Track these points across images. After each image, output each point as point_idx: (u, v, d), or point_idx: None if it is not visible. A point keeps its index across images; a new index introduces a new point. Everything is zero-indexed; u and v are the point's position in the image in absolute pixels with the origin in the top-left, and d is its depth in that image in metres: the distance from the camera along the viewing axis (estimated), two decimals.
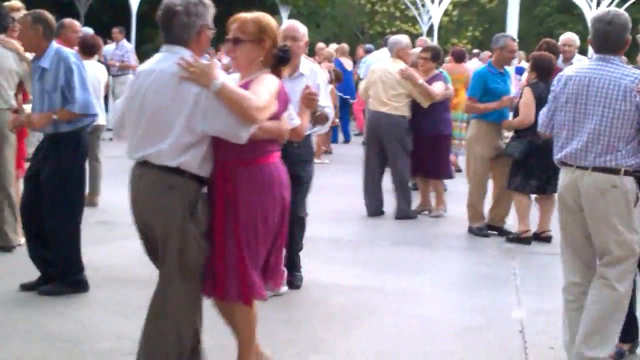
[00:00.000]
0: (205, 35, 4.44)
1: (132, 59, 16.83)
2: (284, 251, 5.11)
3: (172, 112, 4.25)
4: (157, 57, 4.45)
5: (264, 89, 4.31)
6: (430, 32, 25.60)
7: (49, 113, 6.36)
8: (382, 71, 9.94)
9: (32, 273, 6.49)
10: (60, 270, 6.43)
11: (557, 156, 5.21)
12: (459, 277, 7.53)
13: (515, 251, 8.42)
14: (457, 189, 10.87)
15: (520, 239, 8.71)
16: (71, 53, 6.59)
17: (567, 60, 10.99)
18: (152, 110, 4.31)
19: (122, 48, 17.12)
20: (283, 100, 4.55)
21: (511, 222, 9.19)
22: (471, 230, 9.08)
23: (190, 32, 4.37)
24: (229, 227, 4.40)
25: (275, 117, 4.46)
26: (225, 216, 4.41)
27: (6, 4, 8.02)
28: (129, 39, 20.84)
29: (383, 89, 9.71)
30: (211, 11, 4.47)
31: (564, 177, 5.18)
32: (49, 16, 6.57)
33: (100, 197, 9.79)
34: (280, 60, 4.61)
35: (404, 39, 10.38)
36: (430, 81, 9.75)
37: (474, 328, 6.03)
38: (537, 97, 8.31)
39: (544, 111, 5.42)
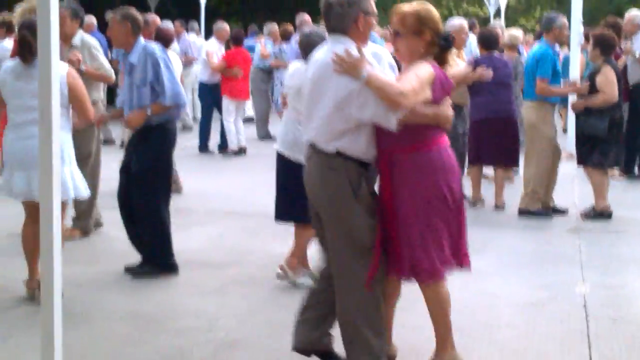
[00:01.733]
0: (365, 21, 4.52)
1: (195, 51, 16.92)
2: None
3: (329, 100, 4.42)
4: (325, 47, 4.60)
5: (412, 76, 4.39)
6: (497, 14, 25.45)
7: (143, 110, 6.64)
8: None
9: (112, 258, 6.92)
10: (152, 254, 6.78)
11: None
12: (524, 255, 7.60)
13: (580, 229, 8.51)
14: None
15: (603, 214, 8.88)
16: (157, 48, 6.85)
17: (628, 38, 11.04)
18: (313, 98, 4.53)
19: (184, 42, 17.36)
20: (442, 86, 4.57)
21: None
22: (529, 213, 8.98)
23: (346, 21, 4.49)
24: (398, 212, 4.51)
25: (434, 102, 4.51)
26: (392, 202, 4.52)
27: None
28: (198, 31, 21.27)
29: None
30: None
31: None
32: (136, 13, 6.85)
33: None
34: (443, 49, 4.65)
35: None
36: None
37: (537, 302, 6.16)
38: (616, 74, 8.68)
39: None
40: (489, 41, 9.79)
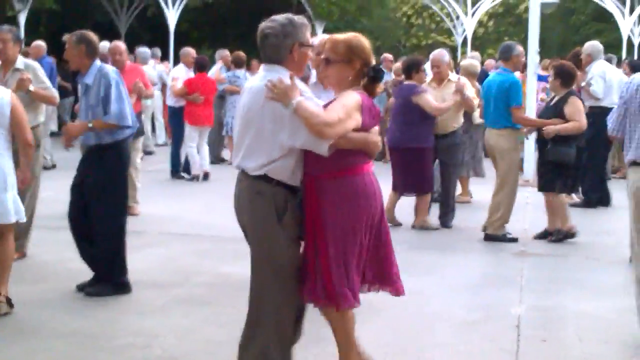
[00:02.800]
0: (300, 52, 4.64)
1: (155, 77, 16.96)
2: None
3: (260, 127, 4.52)
4: (258, 75, 4.70)
5: (338, 105, 4.48)
6: (464, 44, 25.80)
7: (85, 122, 6.82)
8: None
9: (57, 277, 7.02)
10: (106, 273, 6.84)
11: (630, 157, 5.80)
12: (467, 278, 7.74)
13: (525, 253, 8.68)
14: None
15: (570, 235, 9.21)
16: (112, 70, 7.00)
17: (582, 69, 11.34)
18: (245, 124, 4.62)
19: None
20: (370, 114, 4.65)
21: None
22: (497, 239, 9.20)
23: (282, 51, 4.60)
24: (316, 236, 4.57)
25: (363, 129, 4.60)
26: (313, 226, 4.59)
27: None
28: (167, 56, 21.40)
29: None
30: (304, 29, 4.66)
31: (634, 175, 5.78)
32: (92, 36, 6.97)
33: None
34: (373, 79, 4.75)
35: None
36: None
37: (473, 322, 6.28)
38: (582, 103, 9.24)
39: (613, 117, 5.99)
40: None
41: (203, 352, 5.50)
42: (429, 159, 9.91)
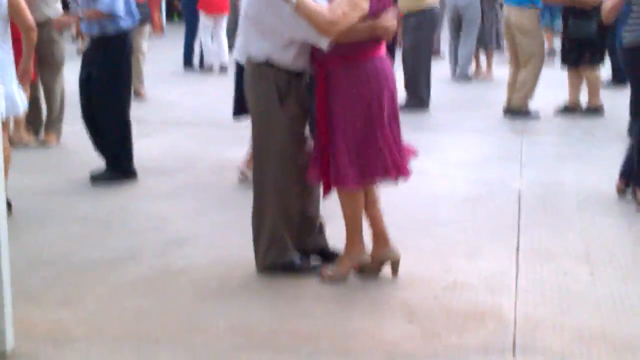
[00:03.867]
0: None
1: None
2: None
3: (262, 21, 4.50)
4: None
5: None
6: None
7: (76, 14, 6.82)
8: None
9: (69, 168, 7.11)
10: (114, 161, 6.94)
11: None
12: (469, 156, 7.82)
13: (525, 131, 8.74)
14: None
15: (597, 111, 9.43)
16: None
17: None
18: (246, 16, 4.65)
19: None
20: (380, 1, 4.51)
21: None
22: (521, 114, 9.32)
23: None
24: (327, 121, 4.53)
25: (372, 16, 4.44)
26: (323, 111, 4.53)
27: None
28: None
29: None
30: None
31: None
32: None
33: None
34: None
35: None
36: None
37: (475, 198, 6.39)
38: None
39: None
40: None
41: (212, 234, 5.60)
42: None
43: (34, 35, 6.07)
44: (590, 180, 6.79)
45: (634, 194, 6.05)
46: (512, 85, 9.52)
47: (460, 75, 12.34)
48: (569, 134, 8.76)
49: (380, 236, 4.77)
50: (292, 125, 4.62)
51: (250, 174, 6.54)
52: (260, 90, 4.60)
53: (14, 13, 5.92)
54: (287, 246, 4.74)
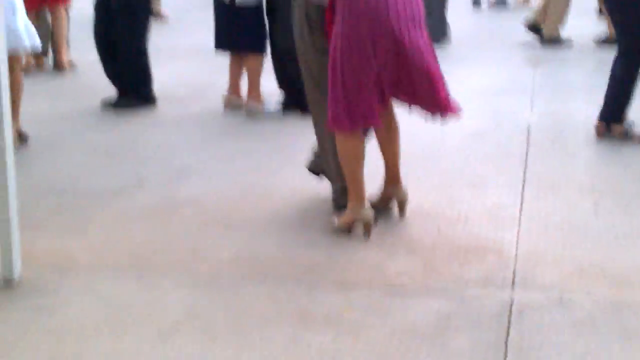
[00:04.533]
0: None
1: None
2: None
3: None
4: None
5: None
6: None
7: None
8: None
9: (78, 95, 7.10)
10: (133, 87, 7.00)
11: None
12: (480, 87, 7.76)
13: (539, 59, 8.65)
14: None
15: None
16: None
17: None
18: None
19: None
20: None
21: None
22: (553, 40, 9.21)
23: None
24: (332, 55, 4.36)
25: None
26: (330, 45, 4.38)
27: None
28: None
29: None
30: None
31: None
32: None
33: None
34: None
35: None
36: None
37: (484, 130, 6.36)
38: None
39: None
40: None
41: (219, 164, 5.62)
42: None
43: None
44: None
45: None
46: (543, 11, 9.35)
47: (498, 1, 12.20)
48: (584, 66, 8.64)
49: (390, 173, 4.68)
50: (321, 58, 4.48)
51: (234, 100, 6.63)
52: (296, 21, 4.58)
53: None
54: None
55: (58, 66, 8.36)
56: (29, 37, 5.76)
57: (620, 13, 5.96)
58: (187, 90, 7.54)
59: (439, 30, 9.68)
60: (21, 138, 5.92)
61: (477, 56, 9.15)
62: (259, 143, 6.00)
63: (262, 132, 6.29)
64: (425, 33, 4.41)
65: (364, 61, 4.26)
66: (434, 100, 4.43)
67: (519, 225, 4.57)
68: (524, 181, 5.26)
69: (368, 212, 4.42)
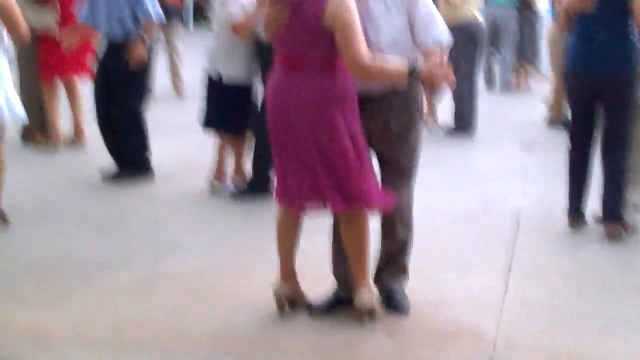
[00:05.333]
0: None
1: None
2: None
3: None
4: None
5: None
6: None
7: (139, 39, 6.89)
8: None
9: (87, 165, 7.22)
10: (132, 160, 7.08)
11: None
12: (473, 171, 7.77)
13: (534, 146, 8.67)
14: None
15: None
16: None
17: None
18: None
19: None
20: None
21: None
22: (563, 124, 8.94)
23: None
24: None
25: None
26: None
27: None
28: None
29: None
30: None
31: None
32: None
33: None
34: None
35: None
36: None
37: (472, 214, 6.33)
38: None
39: None
40: None
41: (205, 242, 5.63)
42: None
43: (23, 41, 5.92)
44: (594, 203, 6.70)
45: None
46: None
47: (503, 85, 12.31)
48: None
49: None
50: None
51: (218, 185, 6.66)
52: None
53: (6, 22, 5.64)
54: None
55: (78, 138, 8.39)
56: (10, 109, 5.68)
57: None
58: (177, 165, 7.57)
59: (466, 120, 9.48)
60: (2, 219, 5.79)
61: (480, 141, 9.17)
62: (246, 222, 6.00)
63: (250, 212, 6.28)
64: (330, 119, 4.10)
65: (279, 143, 4.25)
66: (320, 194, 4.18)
67: (501, 311, 4.54)
68: (509, 267, 5.24)
69: (278, 288, 4.40)
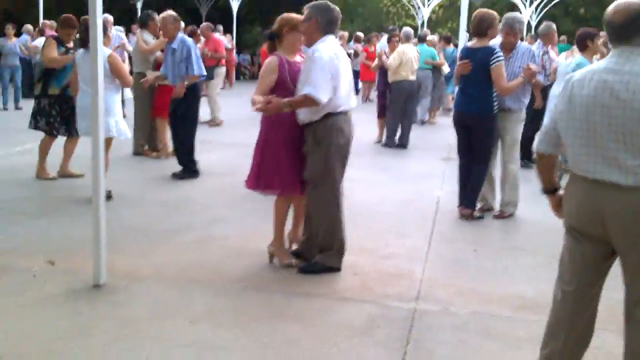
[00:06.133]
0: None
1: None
2: None
3: None
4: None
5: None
6: (423, 25, 25.19)
7: (182, 83, 6.79)
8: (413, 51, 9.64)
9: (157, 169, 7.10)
10: (187, 164, 6.97)
11: None
12: (409, 172, 7.76)
13: (449, 158, 8.70)
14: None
15: None
16: (188, 38, 6.99)
17: None
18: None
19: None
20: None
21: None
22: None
23: None
24: None
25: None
26: None
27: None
28: (231, 31, 21.08)
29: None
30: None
31: None
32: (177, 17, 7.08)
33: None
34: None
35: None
36: None
37: (408, 200, 6.35)
38: None
39: None
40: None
41: (240, 217, 5.60)
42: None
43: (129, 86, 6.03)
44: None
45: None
46: None
47: (420, 121, 12.30)
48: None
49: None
50: None
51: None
52: None
53: (114, 73, 5.70)
54: None
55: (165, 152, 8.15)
56: (117, 128, 5.81)
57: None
58: (224, 169, 7.56)
59: (405, 140, 9.44)
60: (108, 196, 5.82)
61: (413, 154, 9.17)
62: (263, 203, 5.95)
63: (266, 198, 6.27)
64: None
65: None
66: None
67: (425, 262, 4.57)
68: (432, 234, 5.27)
69: (270, 247, 4.35)
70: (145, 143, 8.17)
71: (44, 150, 6.66)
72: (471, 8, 13.81)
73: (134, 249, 4.59)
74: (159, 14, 7.69)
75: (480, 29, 5.47)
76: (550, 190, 2.78)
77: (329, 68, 3.86)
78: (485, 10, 5.57)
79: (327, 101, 3.89)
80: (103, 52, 5.72)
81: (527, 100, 5.76)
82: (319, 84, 3.84)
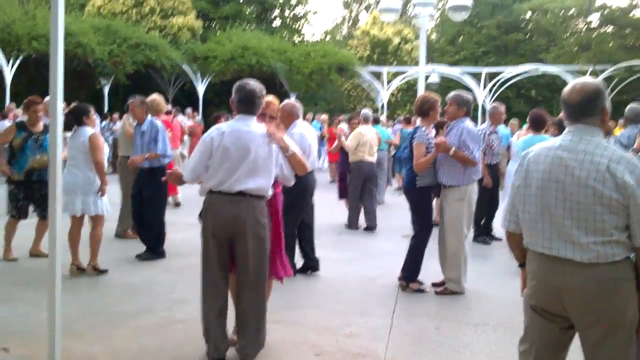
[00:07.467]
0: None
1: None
2: None
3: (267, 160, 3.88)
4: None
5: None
6: (382, 107, 25.94)
7: (142, 155, 6.87)
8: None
9: (116, 251, 6.93)
10: (153, 245, 6.88)
11: None
12: (374, 250, 7.77)
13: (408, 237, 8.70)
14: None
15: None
16: (158, 121, 7.05)
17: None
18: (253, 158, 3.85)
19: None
20: None
21: None
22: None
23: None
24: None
25: None
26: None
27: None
28: (198, 112, 21.32)
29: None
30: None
31: None
32: (158, 99, 7.37)
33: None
34: None
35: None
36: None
37: (373, 277, 6.31)
38: None
39: None
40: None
41: None
42: None
43: (100, 169, 6.02)
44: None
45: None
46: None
47: (379, 200, 12.28)
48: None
49: None
50: None
51: None
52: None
53: (91, 150, 5.92)
54: None
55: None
56: (95, 206, 6.00)
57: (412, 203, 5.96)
58: (187, 249, 7.43)
59: (373, 222, 9.26)
60: (96, 270, 6.07)
61: (376, 232, 9.18)
62: None
63: None
64: None
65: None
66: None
67: (388, 339, 4.50)
68: (394, 310, 5.21)
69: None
70: (129, 227, 7.96)
71: (9, 232, 6.59)
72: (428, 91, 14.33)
73: (90, 333, 4.42)
74: (125, 98, 7.76)
75: (422, 110, 5.73)
76: (524, 264, 2.75)
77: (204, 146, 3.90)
78: (427, 93, 5.94)
79: (190, 179, 3.97)
80: (85, 131, 6.02)
81: (470, 178, 5.69)
82: (191, 162, 3.99)
